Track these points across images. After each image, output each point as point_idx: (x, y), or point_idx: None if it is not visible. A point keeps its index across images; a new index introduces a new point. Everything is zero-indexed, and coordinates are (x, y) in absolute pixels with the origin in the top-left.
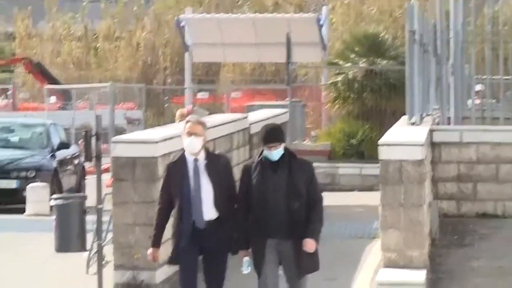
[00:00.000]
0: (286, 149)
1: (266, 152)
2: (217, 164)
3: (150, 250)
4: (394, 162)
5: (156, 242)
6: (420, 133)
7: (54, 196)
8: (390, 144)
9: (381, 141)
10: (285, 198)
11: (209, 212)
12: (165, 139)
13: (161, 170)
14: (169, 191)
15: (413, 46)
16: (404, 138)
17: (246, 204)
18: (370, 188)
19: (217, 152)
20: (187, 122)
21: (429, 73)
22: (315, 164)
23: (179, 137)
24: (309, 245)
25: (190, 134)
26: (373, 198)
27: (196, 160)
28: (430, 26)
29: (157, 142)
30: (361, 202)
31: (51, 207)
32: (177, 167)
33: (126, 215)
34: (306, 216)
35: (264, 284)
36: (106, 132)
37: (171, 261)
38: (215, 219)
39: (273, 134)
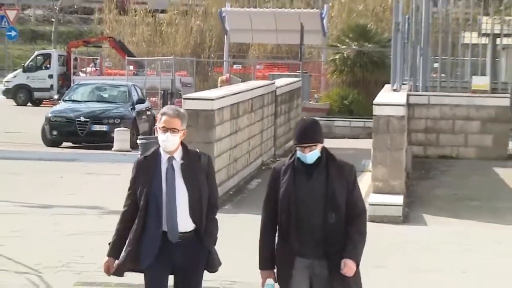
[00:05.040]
0: (323, 150)
1: (299, 154)
2: (195, 165)
3: (106, 259)
4: (383, 117)
5: (114, 252)
6: (401, 97)
7: (140, 136)
8: (381, 104)
9: (374, 101)
10: (322, 209)
11: (184, 222)
12: (218, 97)
13: (217, 120)
14: (136, 192)
15: (397, 34)
16: (390, 100)
17: (274, 214)
18: (357, 137)
19: (197, 150)
20: (162, 114)
21: (404, 53)
22: (317, 118)
23: (228, 96)
24: (348, 267)
25: (165, 129)
26: (359, 143)
27: (171, 159)
28: (405, 20)
29: (213, 99)
30: (351, 146)
31: (136, 144)
32: (148, 165)
33: None
34: (343, 231)
35: None
36: (169, 92)
37: (115, 272)
38: (190, 232)
39: (307, 131)
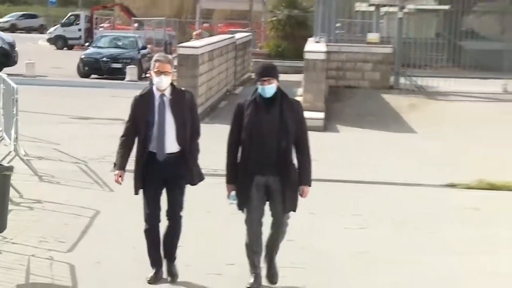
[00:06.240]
0: (278, 89)
1: (260, 87)
2: (181, 100)
3: (116, 172)
4: (312, 60)
5: (121, 166)
6: (322, 46)
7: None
8: (310, 51)
9: (305, 50)
10: (276, 136)
11: (171, 145)
12: (201, 46)
13: (200, 61)
14: (135, 122)
15: (319, 5)
16: (316, 48)
17: (237, 140)
18: (286, 73)
19: (183, 88)
20: (156, 61)
21: (322, 17)
22: (260, 60)
23: (207, 45)
24: (306, 193)
25: (159, 73)
26: (289, 77)
27: (162, 95)
28: None
29: (198, 47)
30: (284, 79)
31: (141, 76)
32: (144, 101)
33: (182, 83)
34: (291, 153)
35: (250, 219)
36: (168, 42)
37: (136, 190)
38: (176, 152)
39: (267, 69)
